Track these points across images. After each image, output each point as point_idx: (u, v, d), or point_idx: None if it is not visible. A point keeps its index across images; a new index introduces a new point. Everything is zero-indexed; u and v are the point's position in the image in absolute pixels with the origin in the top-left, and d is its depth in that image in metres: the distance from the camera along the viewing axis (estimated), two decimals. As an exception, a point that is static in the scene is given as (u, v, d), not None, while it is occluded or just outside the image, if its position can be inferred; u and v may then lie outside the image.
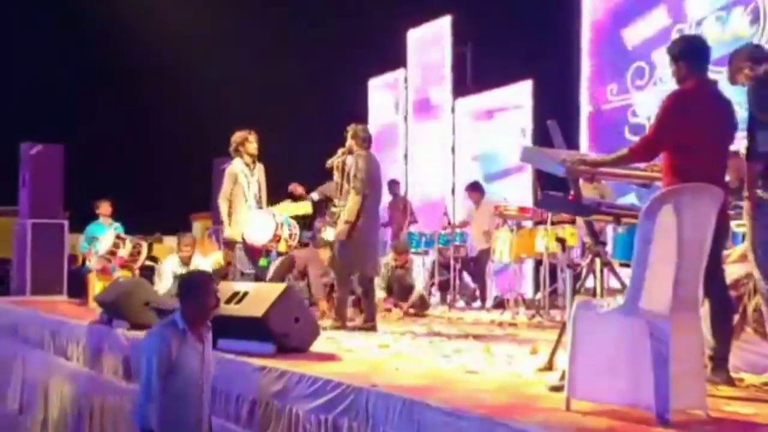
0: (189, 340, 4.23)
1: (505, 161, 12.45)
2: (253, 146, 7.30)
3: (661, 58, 9.32)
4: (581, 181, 4.70)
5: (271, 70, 17.85)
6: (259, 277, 7.17)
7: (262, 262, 7.26)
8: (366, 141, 7.02)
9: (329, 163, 7.18)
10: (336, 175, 7.16)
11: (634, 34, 9.95)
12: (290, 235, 7.26)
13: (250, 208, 7.18)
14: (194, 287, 4.32)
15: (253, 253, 7.20)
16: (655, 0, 9.73)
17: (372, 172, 6.91)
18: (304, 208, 7.68)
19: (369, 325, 6.82)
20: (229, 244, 7.84)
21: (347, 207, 6.78)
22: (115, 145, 19.35)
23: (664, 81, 9.38)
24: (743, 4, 8.57)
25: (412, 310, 9.04)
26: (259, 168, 7.41)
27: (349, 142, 7.03)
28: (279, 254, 7.72)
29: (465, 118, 13.35)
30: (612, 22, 10.18)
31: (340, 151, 7.12)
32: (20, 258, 12.09)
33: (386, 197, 12.36)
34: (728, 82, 4.45)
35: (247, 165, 7.26)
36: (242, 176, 7.22)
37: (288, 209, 7.51)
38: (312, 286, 8.40)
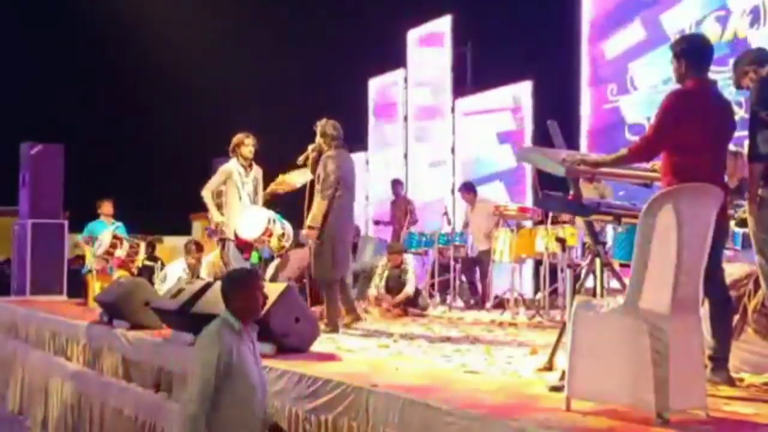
0: (245, 340, 3.96)
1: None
2: (248, 149, 7.35)
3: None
4: (581, 181, 4.70)
5: (270, 70, 17.86)
6: None
7: (254, 258, 7.25)
8: (336, 139, 6.75)
9: (300, 160, 6.97)
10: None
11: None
12: (282, 234, 7.21)
13: (243, 205, 7.21)
14: (241, 285, 4.05)
15: (244, 249, 7.20)
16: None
17: (344, 171, 6.68)
18: (304, 175, 7.37)
19: (354, 316, 6.90)
20: (222, 244, 7.91)
21: (312, 211, 6.59)
22: (115, 145, 19.35)
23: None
24: (741, 6, 8.57)
25: (412, 310, 9.04)
26: (257, 170, 7.46)
27: (318, 139, 6.78)
28: (272, 251, 7.66)
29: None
30: (608, 24, 10.21)
31: (309, 148, 6.89)
32: (20, 258, 12.09)
33: (388, 197, 12.43)
34: (735, 87, 4.47)
35: (243, 166, 7.32)
36: (237, 175, 7.30)
37: (291, 177, 7.45)
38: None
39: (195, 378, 3.83)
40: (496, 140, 12.51)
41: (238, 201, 7.26)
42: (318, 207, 6.59)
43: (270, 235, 7.05)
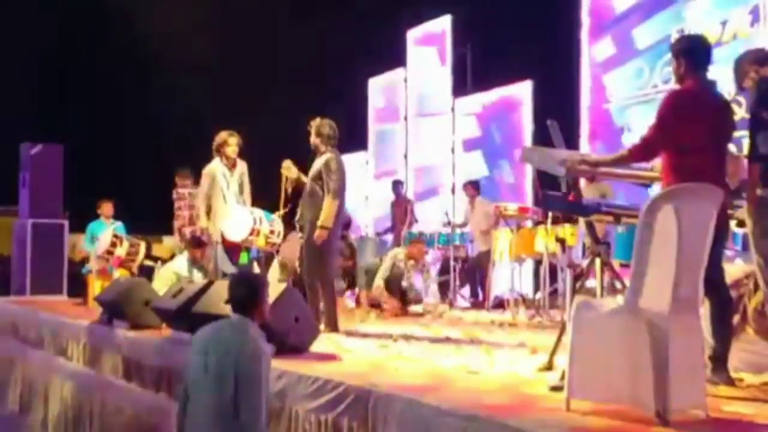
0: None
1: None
2: (231, 149, 7.34)
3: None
4: (583, 181, 4.71)
5: (270, 70, 17.85)
6: None
7: (243, 258, 7.24)
8: (332, 138, 6.63)
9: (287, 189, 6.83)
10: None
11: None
12: (271, 231, 7.16)
13: (229, 207, 7.19)
14: (263, 289, 4.01)
15: (233, 251, 7.18)
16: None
17: (343, 173, 6.60)
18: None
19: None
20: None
21: (324, 211, 6.42)
22: (115, 145, 19.34)
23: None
24: (743, 5, 8.59)
25: (413, 309, 9.06)
26: (242, 166, 7.43)
27: (313, 138, 6.62)
28: (259, 251, 7.64)
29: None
30: (610, 23, 10.25)
31: (287, 179, 6.74)
32: (20, 258, 12.09)
33: (389, 196, 12.45)
34: (736, 87, 4.47)
35: (227, 166, 7.32)
36: (221, 176, 7.30)
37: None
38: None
39: (259, 389, 3.70)
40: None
41: (223, 202, 7.24)
42: (330, 207, 6.43)
43: (257, 235, 7.01)
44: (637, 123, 9.56)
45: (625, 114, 9.90)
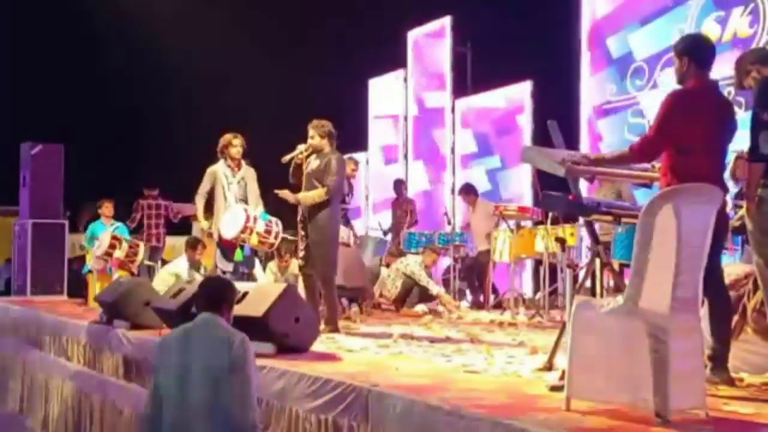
0: None
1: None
2: (235, 150, 7.39)
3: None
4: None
5: (270, 70, 17.85)
6: (236, 272, 7.19)
7: (238, 255, 7.27)
8: (334, 138, 6.68)
9: (285, 159, 6.76)
10: (292, 176, 6.75)
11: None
12: (267, 231, 7.16)
13: (227, 205, 7.29)
14: (233, 293, 4.19)
15: (229, 248, 7.22)
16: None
17: (343, 176, 6.74)
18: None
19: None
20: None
21: (310, 195, 6.46)
22: (115, 145, 19.35)
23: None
24: (741, 5, 8.59)
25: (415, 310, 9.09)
26: (246, 170, 7.49)
27: (319, 140, 6.63)
28: (253, 248, 7.63)
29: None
30: (609, 24, 10.26)
31: (302, 147, 6.68)
32: (20, 258, 12.10)
33: (386, 197, 12.47)
34: (736, 87, 4.47)
35: (230, 167, 7.35)
36: (222, 176, 7.37)
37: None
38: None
39: (251, 382, 3.85)
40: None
41: (223, 202, 7.33)
42: (317, 195, 6.47)
43: (249, 233, 7.04)
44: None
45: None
